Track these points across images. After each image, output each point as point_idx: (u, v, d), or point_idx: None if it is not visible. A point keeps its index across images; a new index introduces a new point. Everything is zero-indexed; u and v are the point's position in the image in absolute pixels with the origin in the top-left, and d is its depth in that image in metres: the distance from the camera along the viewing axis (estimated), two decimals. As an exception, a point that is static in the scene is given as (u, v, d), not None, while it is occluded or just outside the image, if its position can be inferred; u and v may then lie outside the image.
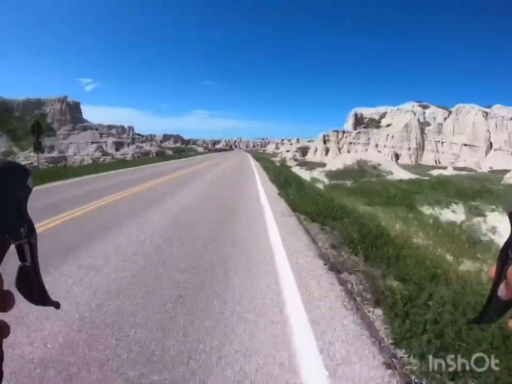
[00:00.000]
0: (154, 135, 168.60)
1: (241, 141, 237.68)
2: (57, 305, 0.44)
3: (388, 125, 67.19)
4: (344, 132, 61.78)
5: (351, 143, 58.36)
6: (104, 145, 71.62)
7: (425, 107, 73.96)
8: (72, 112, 77.15)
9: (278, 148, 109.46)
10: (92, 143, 68.69)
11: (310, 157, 62.07)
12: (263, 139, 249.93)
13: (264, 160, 36.18)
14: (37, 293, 0.41)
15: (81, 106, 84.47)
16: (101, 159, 55.73)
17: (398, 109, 72.19)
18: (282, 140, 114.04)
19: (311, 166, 42.27)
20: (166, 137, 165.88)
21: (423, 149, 60.12)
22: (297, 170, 32.03)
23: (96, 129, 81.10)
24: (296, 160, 59.30)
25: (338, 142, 60.36)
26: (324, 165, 41.13)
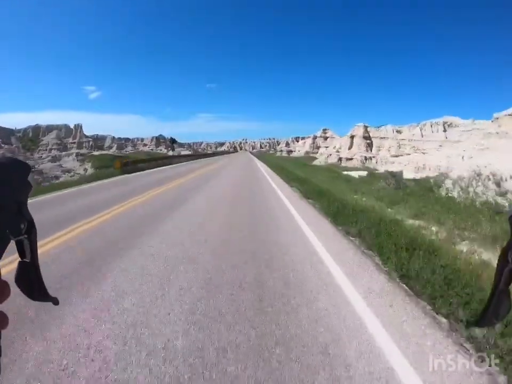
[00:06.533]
0: (143, 138, 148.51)
1: (246, 142, 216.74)
2: (55, 301, 0.44)
3: None
4: None
5: None
6: None
7: None
8: None
9: (319, 146, 58.18)
10: None
11: None
12: (269, 139, 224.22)
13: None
14: (36, 289, 0.41)
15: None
16: None
17: None
18: (325, 130, 62.53)
19: None
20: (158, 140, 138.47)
21: None
22: None
23: None
24: None
25: None
26: None
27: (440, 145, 40.96)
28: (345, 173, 24.74)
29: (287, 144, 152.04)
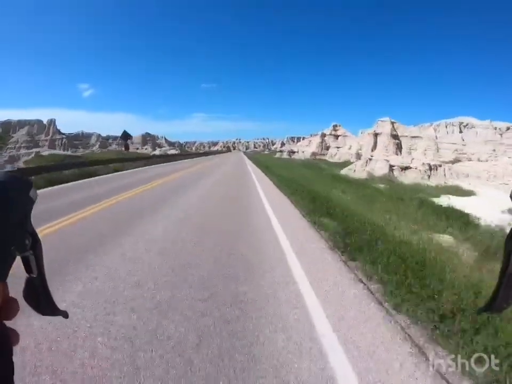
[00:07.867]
0: (132, 136, 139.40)
1: (240, 142, 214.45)
2: (65, 315, 0.44)
3: None
4: None
5: None
6: None
7: None
8: None
9: (328, 146, 48.60)
10: None
11: None
12: (264, 138, 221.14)
13: None
14: (44, 304, 0.42)
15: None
16: None
17: None
18: (335, 126, 53.38)
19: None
20: (144, 139, 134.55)
21: None
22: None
23: None
24: None
25: None
26: None
27: (494, 150, 32.29)
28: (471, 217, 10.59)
29: (283, 144, 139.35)
